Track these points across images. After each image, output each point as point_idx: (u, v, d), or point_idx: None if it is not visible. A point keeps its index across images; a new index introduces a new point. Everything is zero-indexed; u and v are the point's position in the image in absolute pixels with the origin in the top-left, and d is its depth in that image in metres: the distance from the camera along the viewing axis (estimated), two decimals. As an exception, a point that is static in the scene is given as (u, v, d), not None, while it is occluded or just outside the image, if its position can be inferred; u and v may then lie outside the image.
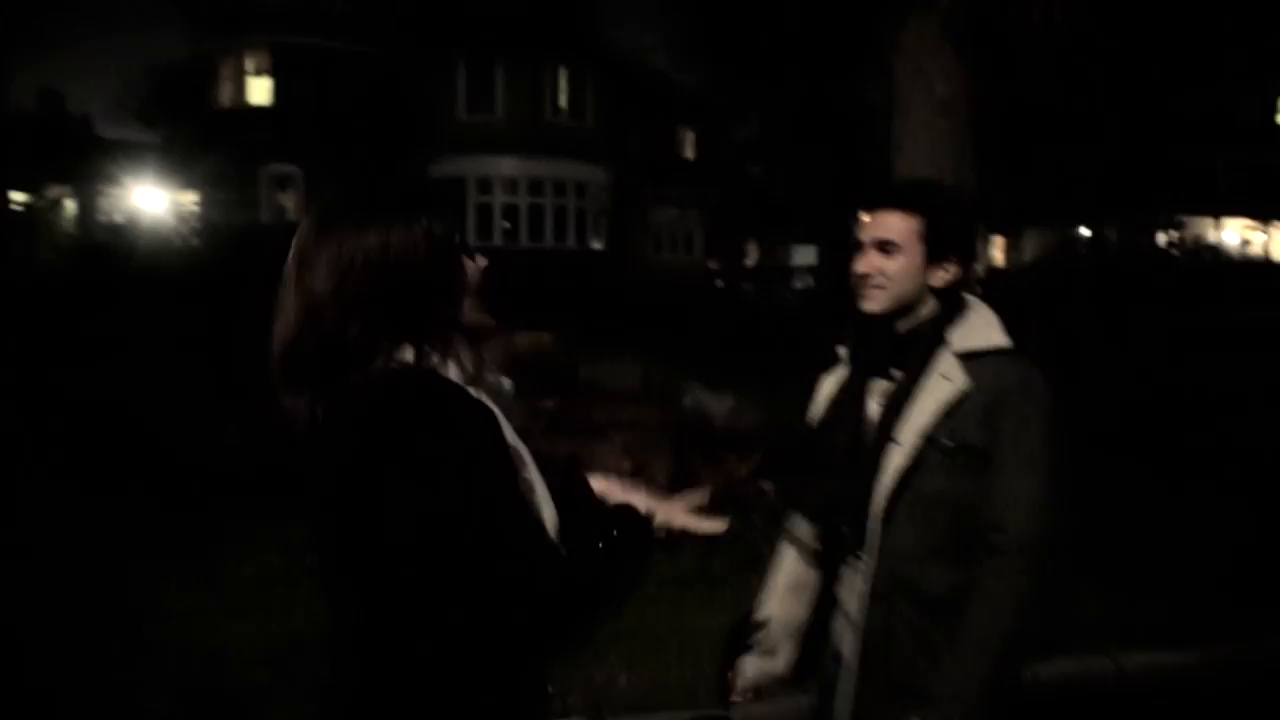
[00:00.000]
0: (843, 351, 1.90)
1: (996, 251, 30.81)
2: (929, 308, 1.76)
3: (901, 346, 1.75)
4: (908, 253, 1.73)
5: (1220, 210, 30.64)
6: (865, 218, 1.78)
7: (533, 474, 1.25)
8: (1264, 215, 30.25)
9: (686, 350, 8.20)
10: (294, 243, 1.25)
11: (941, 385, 1.68)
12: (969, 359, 1.70)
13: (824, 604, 1.88)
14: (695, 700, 3.13)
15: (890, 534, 1.70)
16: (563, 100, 21.99)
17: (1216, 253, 26.46)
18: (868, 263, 1.75)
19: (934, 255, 1.74)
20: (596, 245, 22.62)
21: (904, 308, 1.75)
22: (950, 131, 5.87)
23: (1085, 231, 27.72)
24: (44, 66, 43.76)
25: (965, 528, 1.68)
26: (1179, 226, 28.12)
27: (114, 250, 16.93)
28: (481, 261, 1.33)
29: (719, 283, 27.05)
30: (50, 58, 32.32)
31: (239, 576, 4.10)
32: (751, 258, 34.03)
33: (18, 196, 21.23)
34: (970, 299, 1.79)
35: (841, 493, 1.78)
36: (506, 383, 1.42)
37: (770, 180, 25.21)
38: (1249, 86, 27.99)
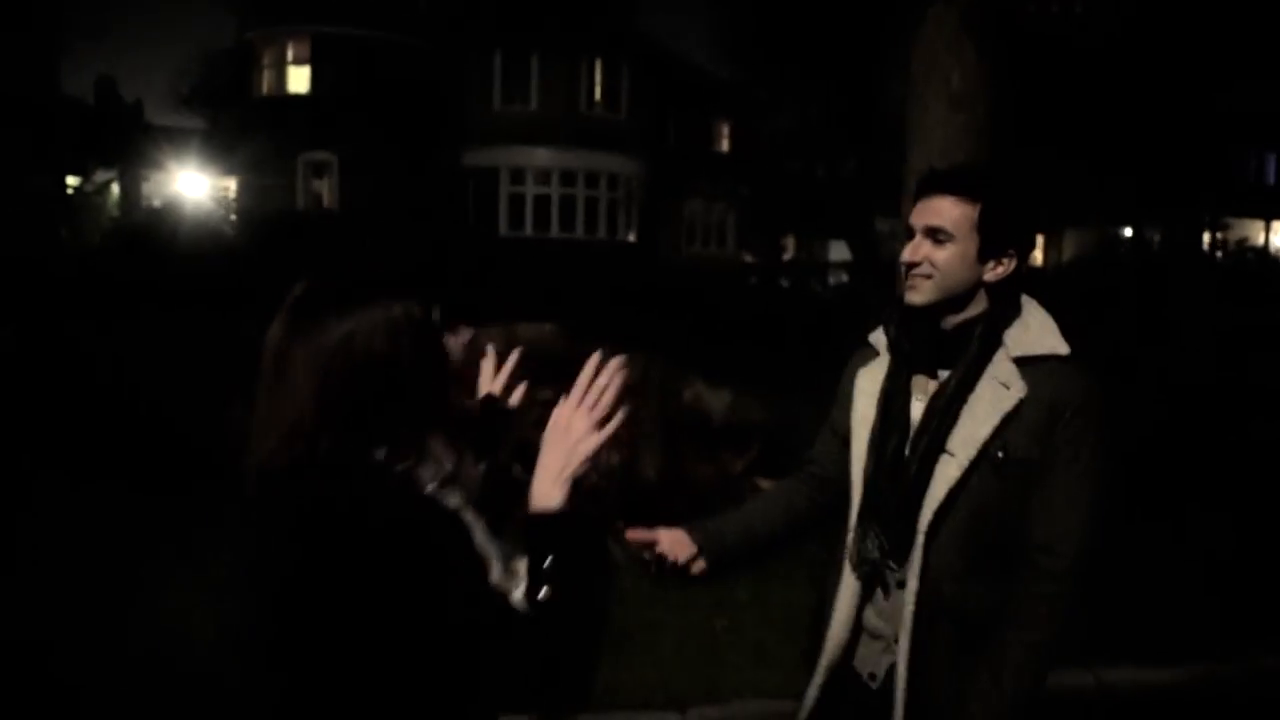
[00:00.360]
0: (877, 340, 1.77)
1: (1035, 251, 30.29)
2: (979, 305, 1.63)
3: (947, 344, 1.63)
4: (960, 242, 1.59)
5: (1271, 213, 29.85)
6: (918, 203, 1.66)
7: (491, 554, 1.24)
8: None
9: (700, 344, 8.18)
10: (268, 341, 1.21)
11: (1000, 393, 1.57)
12: (1026, 364, 1.58)
13: (855, 625, 1.75)
14: (658, 698, 3.12)
15: (934, 550, 1.60)
16: (597, 91, 21.97)
17: (1264, 255, 25.75)
18: (916, 250, 1.62)
19: (989, 247, 1.60)
20: (628, 237, 22.60)
21: (952, 302, 1.62)
22: (967, 126, 5.79)
23: (1127, 232, 27.16)
24: (102, 53, 44.81)
25: (1006, 543, 1.59)
26: (1225, 228, 27.45)
27: (154, 234, 17.23)
28: (464, 335, 1.33)
29: (754, 277, 26.90)
30: (108, 45, 32.98)
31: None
32: (789, 252, 33.82)
33: (71, 181, 21.72)
34: (1026, 299, 1.67)
35: (885, 500, 1.66)
36: (515, 468, 1.42)
37: (808, 174, 25.02)
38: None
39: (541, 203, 21.48)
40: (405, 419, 1.19)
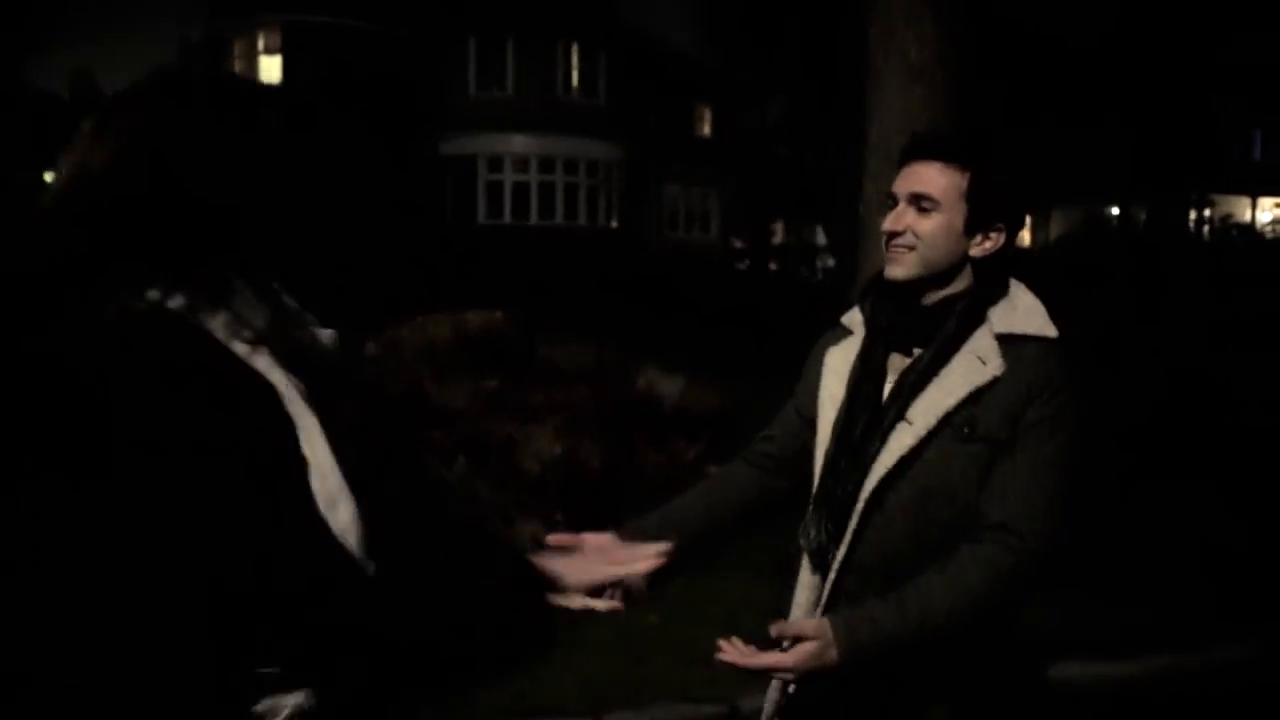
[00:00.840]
0: (851, 320, 1.66)
1: (1023, 231, 30.21)
2: (963, 281, 1.53)
3: (926, 321, 1.53)
4: (947, 212, 1.49)
5: (1257, 189, 29.75)
6: (903, 169, 1.55)
7: (324, 461, 0.91)
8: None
9: (666, 330, 8.03)
10: None
11: (974, 366, 1.47)
12: (1008, 342, 1.49)
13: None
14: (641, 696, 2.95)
15: (874, 524, 1.48)
16: (574, 77, 21.79)
17: (1248, 232, 25.69)
18: (899, 219, 1.52)
19: (977, 219, 1.50)
20: (609, 224, 22.43)
21: (935, 277, 1.52)
22: (926, 100, 5.61)
23: (1114, 210, 27.07)
24: (79, 47, 44.35)
25: (957, 529, 1.46)
26: (1210, 205, 27.35)
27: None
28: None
29: (745, 262, 26.75)
30: (87, 40, 32.65)
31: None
32: (778, 237, 33.72)
33: (49, 177, 21.42)
34: (1014, 282, 1.57)
35: (840, 481, 1.54)
36: (326, 333, 1.02)
37: (795, 159, 24.85)
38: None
39: (520, 190, 21.28)
40: (204, 243, 0.88)
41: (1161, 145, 21.90)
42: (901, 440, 1.47)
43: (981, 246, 1.52)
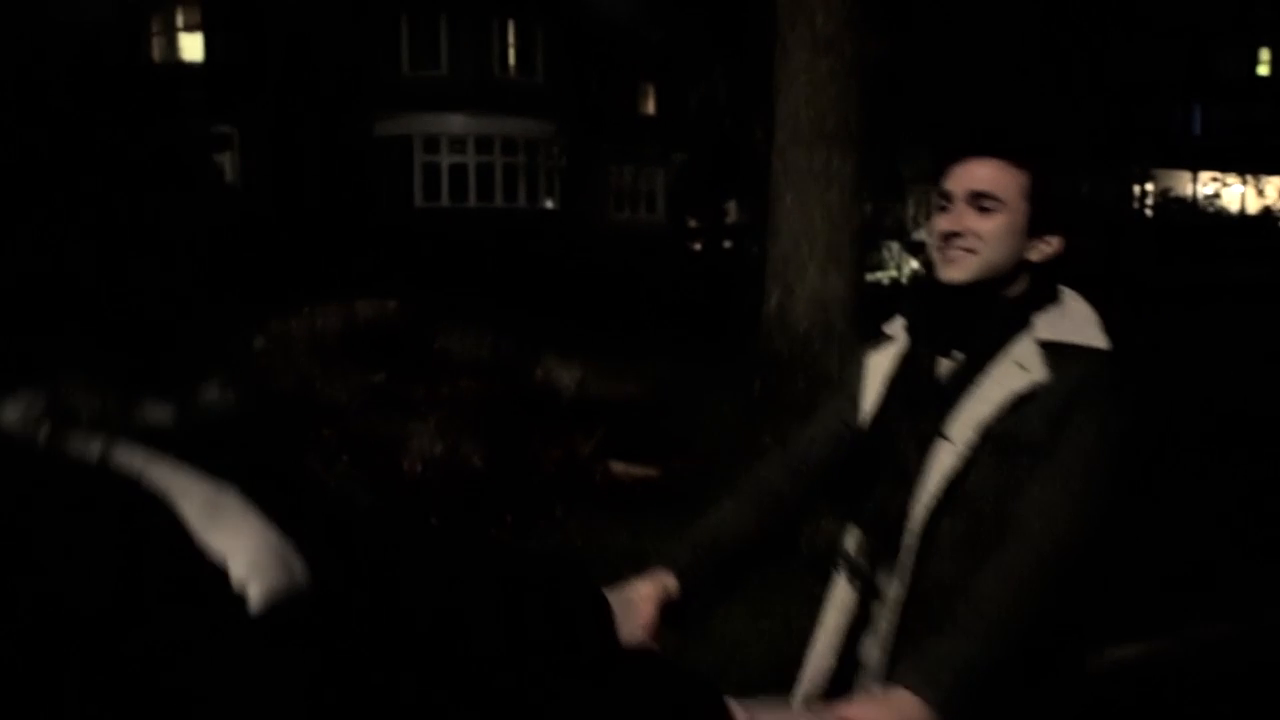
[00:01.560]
0: (893, 327, 1.59)
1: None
2: (1020, 287, 1.47)
3: (971, 324, 1.47)
4: (1010, 212, 1.44)
5: (1198, 164, 30.13)
6: (958, 167, 1.49)
7: None
8: (1242, 169, 29.76)
9: (589, 314, 7.70)
10: None
11: (1013, 373, 1.41)
12: (1054, 350, 1.42)
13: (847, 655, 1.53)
14: None
15: (932, 553, 1.41)
16: (511, 54, 21.27)
17: (1189, 206, 26.00)
18: (958, 219, 1.45)
19: (1039, 220, 1.45)
20: (549, 205, 21.97)
21: (994, 281, 1.46)
22: (833, 71, 5.34)
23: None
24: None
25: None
26: (1151, 179, 27.64)
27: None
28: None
29: (699, 241, 26.48)
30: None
31: None
32: (731, 216, 33.54)
33: None
34: (1068, 291, 1.51)
35: (883, 495, 1.48)
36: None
37: (745, 135, 24.58)
38: (1231, 39, 27.41)
39: (458, 171, 20.77)
40: None
41: (1103, 123, 22.02)
42: (943, 461, 1.41)
43: (1041, 251, 1.46)
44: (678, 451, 4.82)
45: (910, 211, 23.09)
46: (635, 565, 1.50)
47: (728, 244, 26.52)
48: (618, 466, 4.59)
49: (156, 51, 20.33)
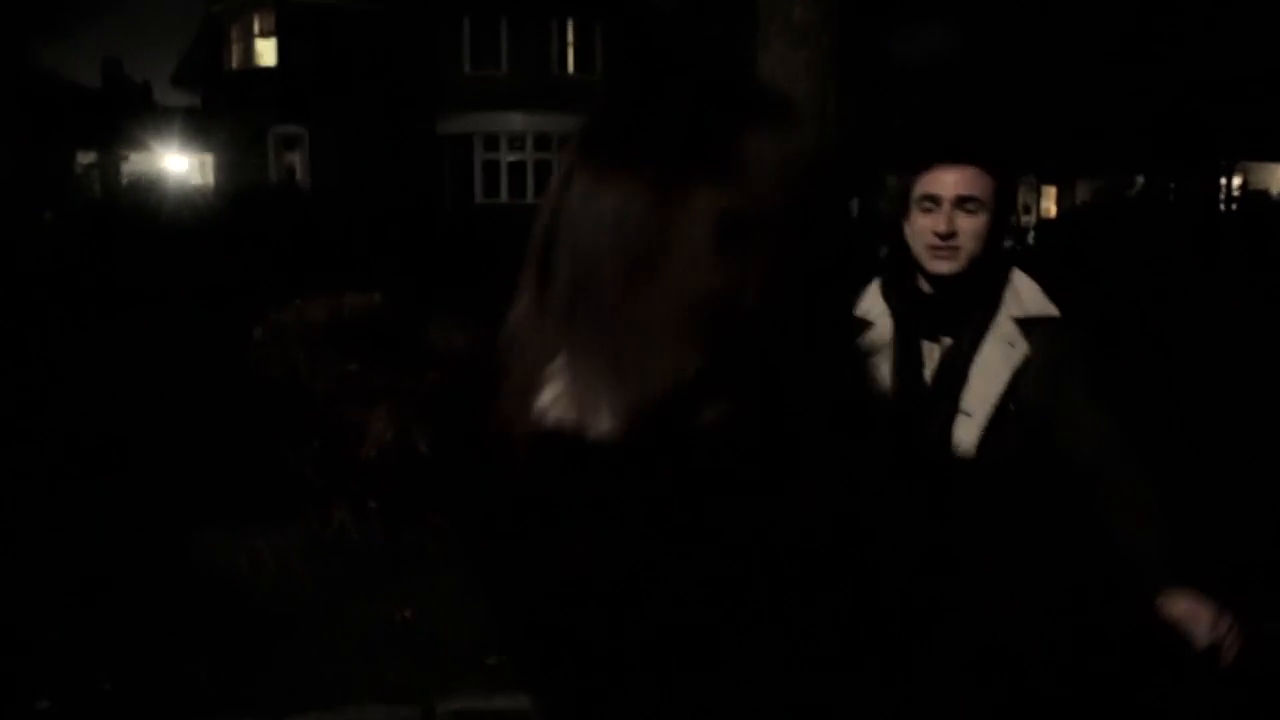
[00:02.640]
0: (868, 310, 1.75)
1: (1049, 203, 29.35)
2: (989, 272, 1.69)
3: (953, 309, 1.68)
4: (989, 212, 1.65)
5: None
6: (941, 172, 1.66)
7: None
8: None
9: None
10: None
11: (1008, 351, 1.64)
12: (1025, 325, 1.66)
13: None
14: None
15: None
16: (570, 53, 21.58)
17: (1265, 199, 24.58)
18: (950, 222, 1.63)
19: (1002, 215, 1.68)
20: (608, 201, 22.17)
21: (975, 270, 1.67)
22: (810, 63, 5.35)
23: (1141, 180, 26.09)
24: (111, 35, 44.96)
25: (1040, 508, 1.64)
26: (1244, 172, 26.23)
27: (138, 210, 17.22)
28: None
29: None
30: (119, 27, 33.04)
31: None
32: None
33: (83, 159, 21.80)
34: (1014, 269, 1.75)
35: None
36: None
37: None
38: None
39: (516, 169, 21.18)
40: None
41: (1188, 113, 21.04)
42: (968, 435, 1.60)
43: (1002, 238, 1.68)
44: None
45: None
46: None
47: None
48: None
49: (235, 58, 21.35)
